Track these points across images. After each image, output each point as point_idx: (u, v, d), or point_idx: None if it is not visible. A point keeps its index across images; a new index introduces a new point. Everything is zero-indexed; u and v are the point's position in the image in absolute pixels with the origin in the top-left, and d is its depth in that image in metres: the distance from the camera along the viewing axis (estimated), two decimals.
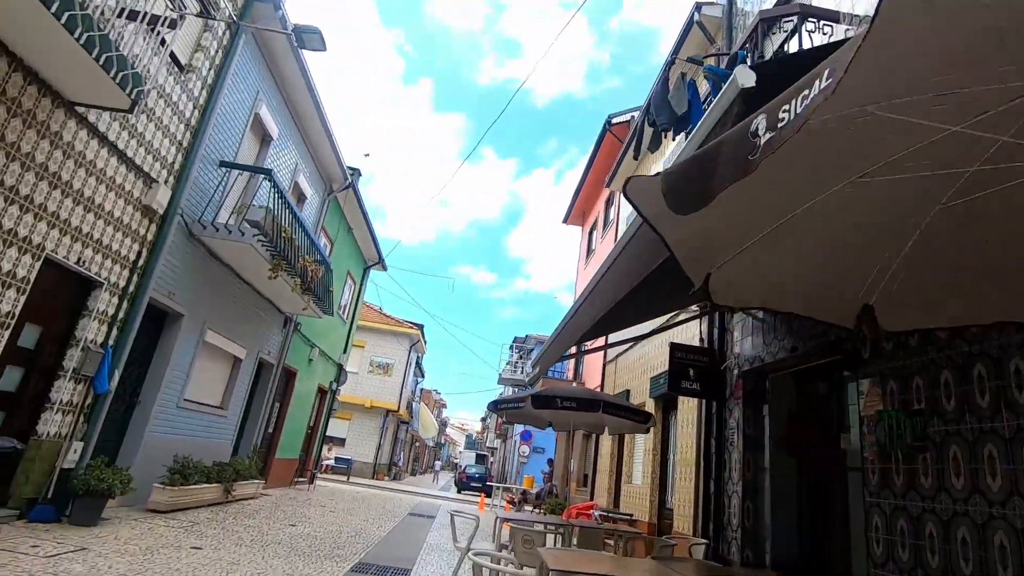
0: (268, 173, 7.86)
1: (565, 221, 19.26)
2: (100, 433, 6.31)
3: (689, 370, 6.08)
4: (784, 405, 5.28)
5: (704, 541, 5.43)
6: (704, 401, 6.33)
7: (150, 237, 6.58)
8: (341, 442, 26.08)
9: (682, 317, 7.07)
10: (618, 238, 13.25)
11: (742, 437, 5.41)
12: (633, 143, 6.39)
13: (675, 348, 6.16)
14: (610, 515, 8.50)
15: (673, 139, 6.12)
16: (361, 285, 17.57)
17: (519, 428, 29.01)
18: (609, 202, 14.96)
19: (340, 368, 16.61)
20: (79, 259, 5.51)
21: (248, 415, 10.99)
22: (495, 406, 6.92)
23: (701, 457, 6.19)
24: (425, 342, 30.26)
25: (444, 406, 76.88)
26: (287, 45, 8.47)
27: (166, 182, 6.69)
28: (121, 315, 6.28)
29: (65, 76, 4.58)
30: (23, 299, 4.90)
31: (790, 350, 4.70)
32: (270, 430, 12.22)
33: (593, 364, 13.67)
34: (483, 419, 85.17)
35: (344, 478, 23.08)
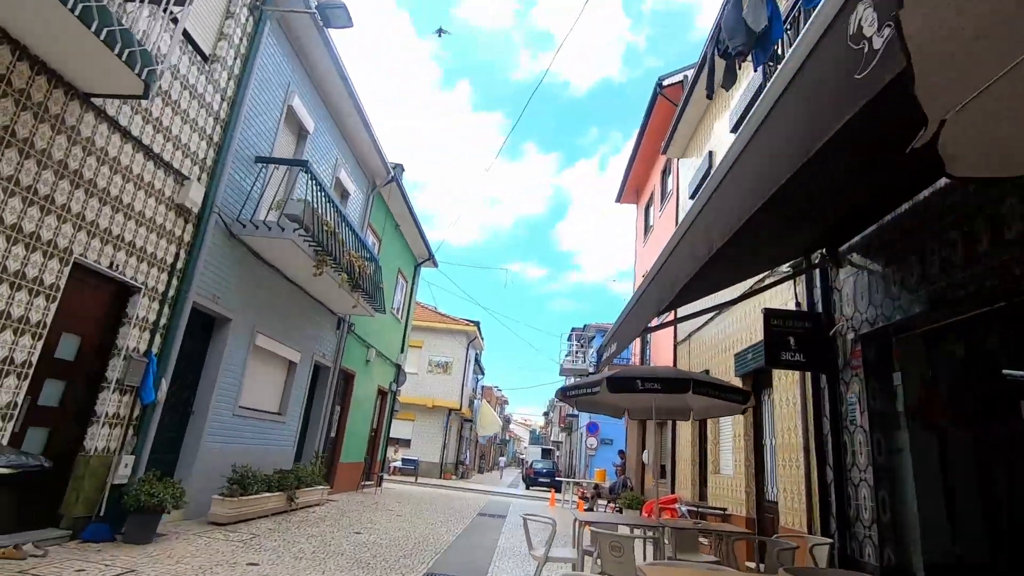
0: (304, 164, 7.45)
1: (618, 200, 18.27)
2: (153, 445, 6.05)
3: (789, 339, 5.16)
4: (921, 371, 4.30)
5: (827, 540, 4.53)
6: (810, 375, 5.38)
7: (187, 238, 6.27)
8: (407, 443, 26.09)
9: (769, 281, 6.13)
10: (680, 210, 12.26)
11: (867, 414, 4.46)
12: (705, 80, 5.51)
13: (770, 315, 5.25)
14: (699, 509, 7.62)
15: (754, 69, 5.19)
16: (413, 283, 17.26)
17: (584, 420, 28.19)
18: (666, 172, 13.92)
19: (398, 368, 16.35)
20: (112, 263, 5.20)
21: (308, 420, 10.77)
22: (564, 393, 6.19)
23: (811, 440, 5.26)
24: (482, 339, 29.90)
25: (506, 402, 76.87)
26: (314, 29, 8.05)
27: (199, 179, 6.36)
28: (163, 321, 5.98)
29: (68, 58, 4.21)
30: (54, 307, 4.59)
31: (929, 302, 3.75)
32: (332, 434, 12.00)
33: (662, 346, 12.71)
34: (546, 414, 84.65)
35: (412, 479, 23.01)
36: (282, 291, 8.66)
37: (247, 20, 7.07)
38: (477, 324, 27.84)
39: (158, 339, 5.93)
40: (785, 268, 5.95)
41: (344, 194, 11.10)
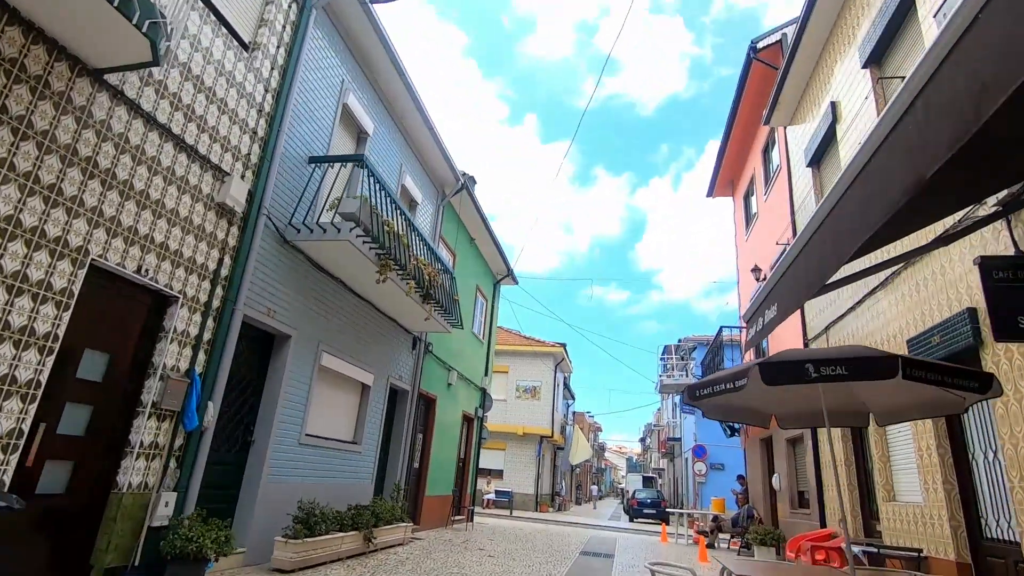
0: (360, 159, 6.67)
1: (710, 194, 16.48)
2: (206, 480, 5.28)
3: None
4: None
5: None
6: None
7: (232, 242, 5.57)
8: (499, 474, 24.91)
9: (963, 226, 4.42)
10: (793, 183, 10.46)
11: None
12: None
13: (992, 265, 3.62)
14: (879, 550, 5.75)
15: None
16: (493, 301, 16.32)
17: (688, 444, 25.71)
18: (768, 146, 12.15)
19: (483, 392, 15.31)
20: (140, 267, 4.52)
21: (388, 450, 9.89)
22: (694, 394, 4.73)
23: None
24: (570, 361, 28.44)
25: (599, 429, 73.87)
26: (363, 16, 7.40)
27: (242, 176, 5.69)
28: (207, 336, 5.26)
29: (54, 9, 3.55)
30: (67, 316, 3.90)
31: None
32: (416, 465, 11.06)
33: (785, 346, 10.72)
34: (642, 439, 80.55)
35: (506, 512, 21.71)
36: (348, 306, 7.89)
37: (290, 6, 6.49)
38: (564, 346, 26.47)
39: (202, 356, 5.19)
40: (990, 204, 4.25)
41: (412, 204, 10.37)
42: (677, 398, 30.71)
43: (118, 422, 4.51)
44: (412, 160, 10.36)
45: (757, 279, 12.19)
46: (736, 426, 15.66)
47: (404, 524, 8.67)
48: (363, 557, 7.11)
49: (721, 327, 12.13)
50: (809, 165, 8.96)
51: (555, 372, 25.99)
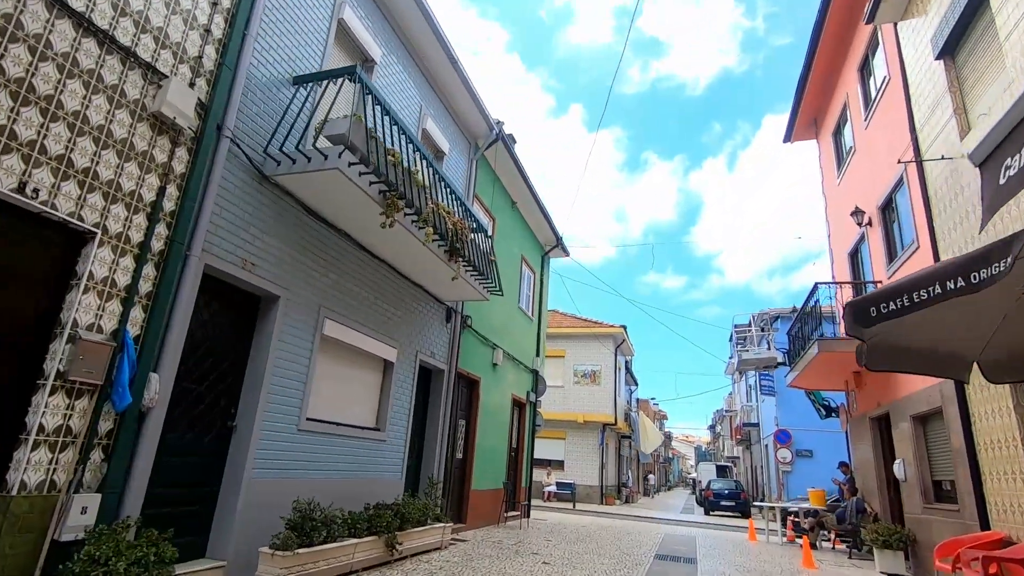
0: (351, 72, 5.25)
1: (787, 139, 14.20)
2: (160, 477, 4.05)
3: None
4: None
5: None
6: None
7: (179, 167, 4.29)
8: (559, 465, 23.41)
9: None
10: (912, 91, 8.29)
11: None
12: None
13: None
14: None
15: None
16: (542, 275, 14.75)
17: (769, 429, 23.27)
18: (867, 61, 9.93)
19: (535, 375, 13.80)
20: (25, 185, 3.27)
21: (424, 438, 8.56)
22: (866, 314, 2.95)
23: None
24: (631, 343, 26.46)
25: (665, 417, 70.92)
26: None
27: (190, 83, 4.39)
28: (146, 287, 3.99)
29: None
30: None
31: None
32: (459, 455, 9.70)
33: None
34: (711, 427, 76.86)
35: (569, 505, 20.19)
36: (357, 265, 6.55)
37: None
38: (624, 328, 24.55)
39: (137, 313, 3.93)
40: None
41: (438, 154, 8.94)
42: (752, 380, 28.13)
43: (7, 400, 3.29)
44: (436, 103, 8.92)
45: (860, 223, 10.02)
46: (833, 405, 13.43)
47: (442, 525, 7.30)
48: (384, 568, 5.78)
49: (816, 284, 10.07)
50: (939, 57, 6.85)
51: (615, 355, 24.15)
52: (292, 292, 5.49)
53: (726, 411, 44.11)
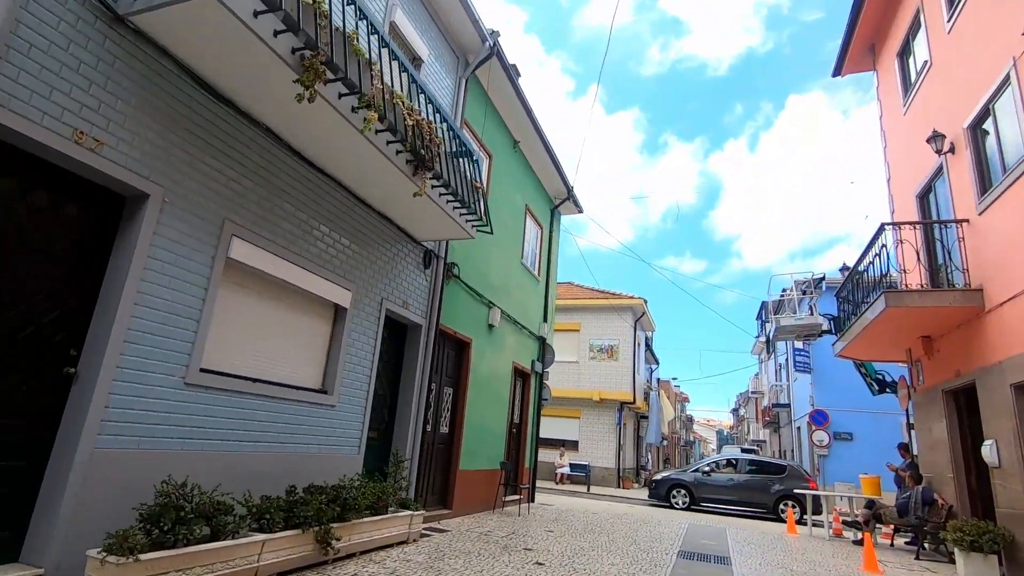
0: None
1: (838, 72, 12.12)
2: None
3: None
4: None
5: None
6: None
7: None
8: (573, 445, 21.89)
9: None
10: None
11: None
12: None
13: None
14: None
15: None
16: (551, 231, 13.05)
17: (801, 410, 21.41)
18: None
19: (542, 343, 12.19)
20: None
21: (396, 408, 7.03)
22: None
23: None
24: (652, 318, 24.62)
25: (686, 400, 68.98)
26: None
27: None
28: None
29: None
30: None
31: None
32: (444, 430, 8.18)
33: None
34: (734, 410, 74.77)
35: (583, 488, 18.71)
36: (295, 179, 4.97)
37: None
38: (644, 301, 22.72)
39: None
40: None
41: (414, 61, 7.27)
42: (783, 357, 26.17)
43: None
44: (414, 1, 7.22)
45: (938, 151, 8.10)
46: (889, 378, 11.58)
47: (408, 513, 5.78)
48: (311, 574, 4.26)
49: (883, 224, 8.18)
50: None
51: (634, 329, 22.39)
52: (176, 193, 3.93)
53: (752, 393, 42.11)
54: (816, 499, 10.87)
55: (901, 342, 9.63)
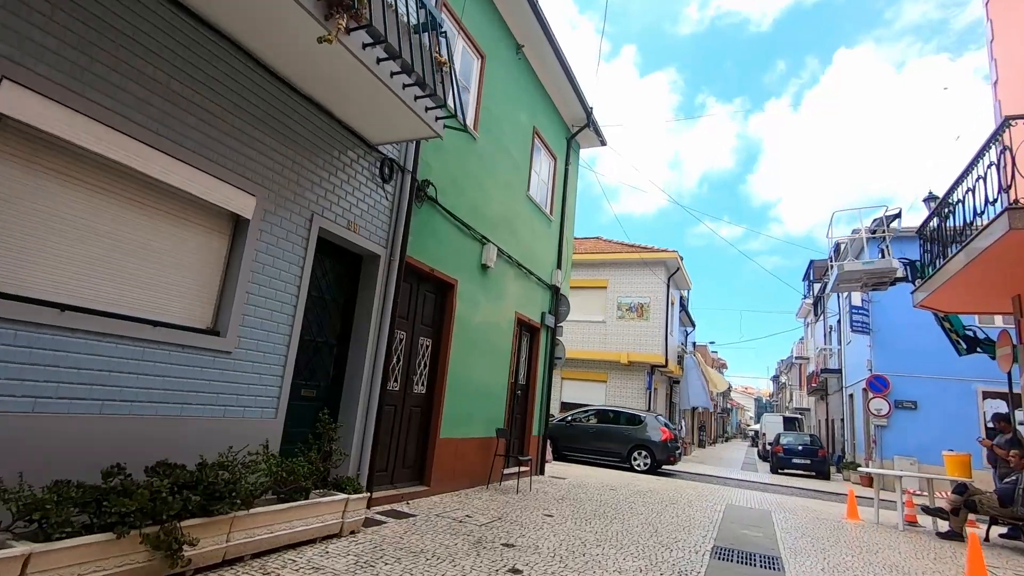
0: None
1: None
2: None
3: None
4: None
5: None
6: None
7: None
8: None
9: None
10: None
11: None
12: None
13: None
14: None
15: None
16: (567, 164, 11.16)
17: (855, 375, 19.20)
18: None
19: (554, 293, 10.48)
20: None
21: (346, 359, 5.49)
22: None
23: None
24: (687, 275, 22.49)
25: (724, 366, 66.46)
26: None
27: None
28: None
29: None
30: None
31: None
32: (419, 388, 6.64)
33: None
34: (774, 378, 71.90)
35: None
36: (153, 20, 3.33)
37: None
38: (678, 254, 20.60)
39: None
40: None
41: None
42: (834, 319, 23.75)
43: None
44: None
45: None
46: (982, 335, 9.45)
47: (340, 498, 4.28)
48: None
49: (1007, 119, 6.07)
50: None
51: (667, 286, 20.37)
52: None
53: (796, 358, 39.54)
54: (893, 479, 8.99)
55: (1008, 286, 7.55)
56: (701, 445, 37.88)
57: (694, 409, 35.69)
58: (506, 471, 8.43)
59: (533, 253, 9.59)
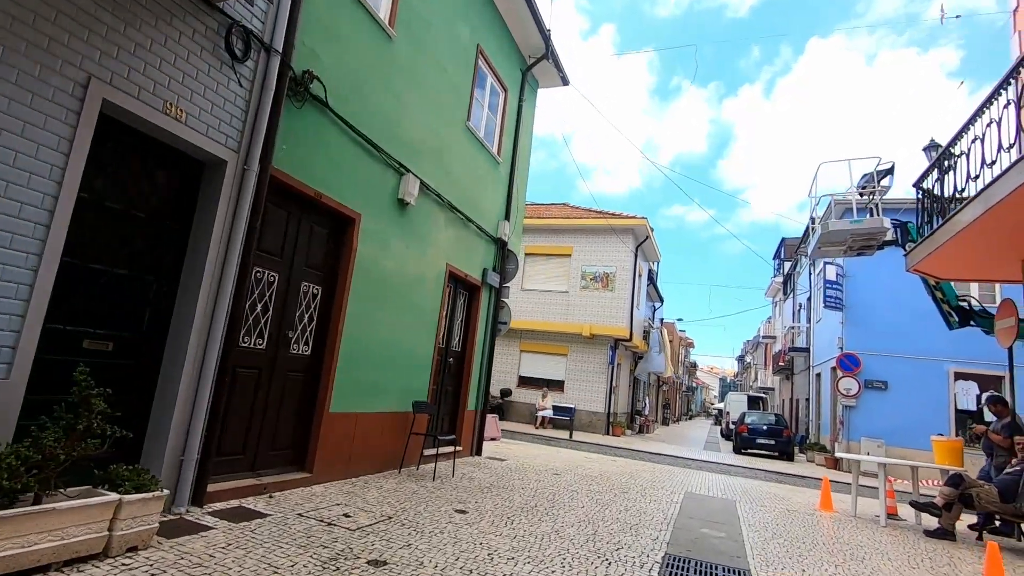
0: None
1: None
2: None
3: None
4: None
5: None
6: None
7: None
8: (559, 385, 19.19)
9: None
10: None
11: None
12: None
13: None
14: None
15: None
16: (522, 101, 9.62)
17: (824, 354, 18.43)
18: None
19: (500, 248, 9.05)
20: None
21: (174, 302, 3.96)
22: None
23: None
24: (656, 246, 21.30)
25: (691, 346, 66.52)
26: None
27: None
28: None
29: None
30: None
31: None
32: (298, 348, 5.16)
33: None
34: (740, 358, 72.51)
35: (565, 435, 16.10)
36: None
37: None
38: (647, 222, 19.32)
39: None
40: None
41: None
42: (804, 295, 22.98)
43: None
44: None
45: None
46: (977, 307, 8.40)
47: (102, 500, 2.82)
48: None
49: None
50: None
51: (635, 255, 19.15)
52: None
53: (763, 338, 39.20)
54: (877, 466, 7.92)
55: (1018, 247, 6.42)
56: (665, 423, 37.46)
57: (659, 386, 35.10)
58: (429, 452, 7.06)
59: (473, 198, 8.10)
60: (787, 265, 29.89)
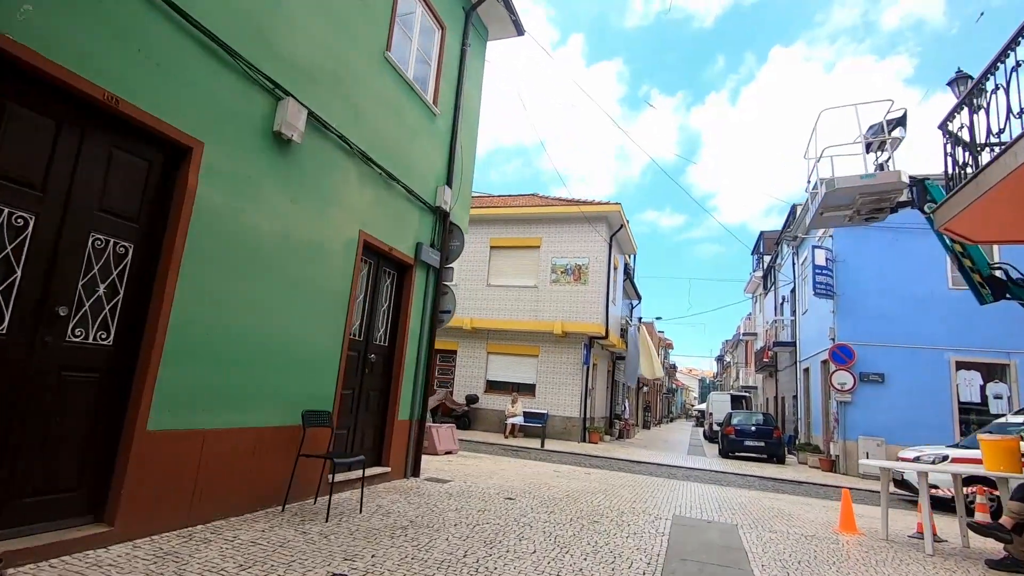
0: None
1: None
2: None
3: None
4: None
5: None
6: None
7: None
8: (530, 390, 17.52)
9: None
10: None
11: None
12: None
13: None
14: None
15: None
16: (464, 44, 7.98)
17: (813, 347, 17.12)
18: None
19: (440, 219, 7.38)
20: None
21: None
22: None
23: None
24: (632, 237, 19.82)
25: (670, 347, 65.54)
26: None
27: None
28: None
29: None
30: None
31: None
32: (94, 337, 3.40)
33: None
34: (719, 358, 71.84)
35: (537, 444, 14.43)
36: None
37: None
38: (620, 208, 17.81)
39: None
40: None
41: None
42: (787, 288, 21.75)
43: None
44: None
45: None
46: (1018, 275, 6.98)
47: None
48: None
49: None
50: None
51: (610, 246, 17.63)
52: None
53: (743, 335, 38.12)
54: (918, 475, 6.38)
55: None
56: (646, 426, 36.02)
57: (639, 389, 33.67)
58: (340, 478, 5.31)
59: (401, 152, 6.42)
60: (767, 259, 28.80)
